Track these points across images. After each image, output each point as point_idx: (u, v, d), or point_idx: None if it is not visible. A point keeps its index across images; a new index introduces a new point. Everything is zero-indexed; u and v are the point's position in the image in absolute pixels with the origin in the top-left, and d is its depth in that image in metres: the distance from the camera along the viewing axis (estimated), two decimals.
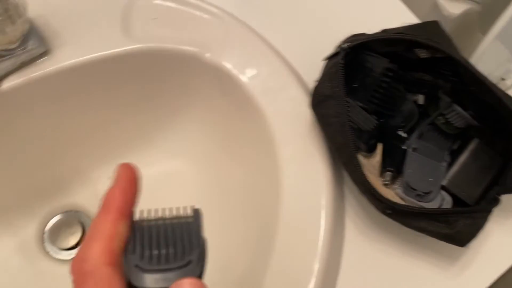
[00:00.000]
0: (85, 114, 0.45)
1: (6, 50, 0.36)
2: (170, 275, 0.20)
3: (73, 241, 0.49)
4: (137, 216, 0.22)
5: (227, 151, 0.45)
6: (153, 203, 0.51)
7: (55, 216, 0.49)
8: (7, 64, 0.37)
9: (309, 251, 0.35)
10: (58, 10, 0.40)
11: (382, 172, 0.38)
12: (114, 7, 0.41)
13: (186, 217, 0.21)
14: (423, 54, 0.38)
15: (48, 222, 0.49)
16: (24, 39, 0.37)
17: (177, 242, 0.20)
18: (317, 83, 0.35)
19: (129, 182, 0.22)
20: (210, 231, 0.46)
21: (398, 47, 0.36)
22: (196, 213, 0.22)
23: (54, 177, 0.49)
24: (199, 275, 0.20)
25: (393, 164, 0.38)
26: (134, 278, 0.19)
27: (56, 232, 0.49)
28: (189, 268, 0.20)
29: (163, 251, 0.20)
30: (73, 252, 0.48)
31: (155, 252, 0.20)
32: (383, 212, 0.33)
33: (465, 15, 0.60)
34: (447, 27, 0.62)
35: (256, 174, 0.41)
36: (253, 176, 0.42)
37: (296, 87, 0.40)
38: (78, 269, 0.19)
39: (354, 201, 0.38)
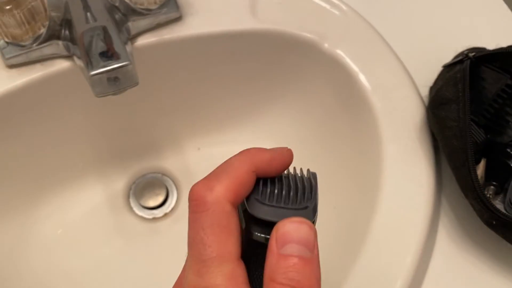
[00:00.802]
0: (195, 85, 0.47)
1: (147, 9, 0.39)
2: (285, 212, 0.20)
3: (156, 202, 0.51)
4: None
5: (324, 143, 0.46)
6: None
7: (144, 175, 0.52)
8: (146, 22, 0.40)
9: (403, 249, 0.35)
10: None
11: (484, 186, 0.38)
12: None
13: (304, 176, 0.22)
14: None
15: (136, 180, 0.52)
16: (164, 2, 0.40)
17: (296, 190, 0.21)
18: (438, 86, 0.36)
19: (281, 157, 0.22)
20: None
21: None
22: (313, 175, 0.22)
23: (150, 138, 0.52)
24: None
25: (497, 179, 0.38)
26: (251, 206, 0.20)
27: (142, 191, 0.52)
28: (305, 212, 0.20)
29: (283, 193, 0.21)
30: (154, 213, 0.51)
31: (275, 192, 0.21)
32: (487, 222, 0.34)
33: None
34: None
35: (353, 169, 0.42)
36: (350, 171, 0.43)
37: (409, 88, 0.40)
38: (200, 196, 0.19)
39: (449, 210, 0.39)
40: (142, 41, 0.41)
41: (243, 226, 0.21)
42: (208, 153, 0.53)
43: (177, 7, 0.41)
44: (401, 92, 0.40)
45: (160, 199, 0.51)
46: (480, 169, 0.39)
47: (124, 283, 0.48)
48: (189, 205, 0.19)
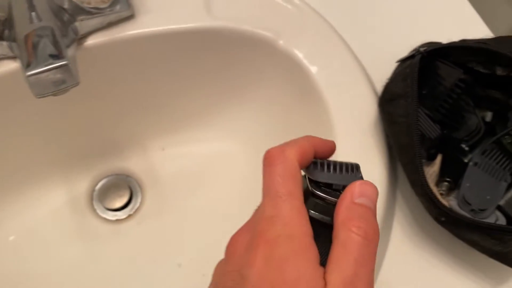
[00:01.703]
0: (153, 84, 0.46)
1: (96, 8, 0.39)
2: (342, 178, 0.24)
3: (120, 203, 0.51)
4: None
5: (283, 139, 0.46)
6: (200, 179, 0.52)
7: (107, 177, 0.51)
8: (95, 22, 0.39)
9: None
10: None
11: (438, 182, 0.37)
12: None
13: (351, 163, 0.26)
14: (499, 71, 0.38)
15: (99, 181, 0.51)
16: (114, 1, 0.39)
17: (346, 166, 0.25)
18: (388, 81, 0.36)
19: (331, 143, 0.28)
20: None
21: (477, 58, 0.35)
22: (357, 165, 0.26)
23: (112, 139, 0.51)
24: None
25: (451, 175, 0.37)
26: (313, 174, 0.24)
27: (105, 192, 0.51)
28: (360, 177, 0.25)
29: (338, 167, 0.25)
30: (118, 214, 0.50)
31: (330, 165, 0.25)
32: (436, 218, 0.33)
33: None
34: None
35: None
36: None
37: (364, 84, 0.40)
38: (275, 153, 0.24)
39: (404, 206, 0.38)
40: (92, 40, 0.40)
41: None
42: (173, 153, 0.52)
43: (128, 5, 0.40)
44: (356, 88, 0.40)
45: (123, 200, 0.51)
46: (437, 165, 0.39)
47: (87, 286, 0.47)
48: (264, 163, 0.24)
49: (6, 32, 0.36)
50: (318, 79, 0.40)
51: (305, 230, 0.22)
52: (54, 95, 0.32)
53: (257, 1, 0.43)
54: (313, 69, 0.41)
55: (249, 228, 0.24)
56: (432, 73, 0.38)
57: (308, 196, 0.24)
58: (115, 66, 0.43)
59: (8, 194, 0.48)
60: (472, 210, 0.36)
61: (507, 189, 0.37)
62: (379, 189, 0.37)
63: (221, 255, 0.49)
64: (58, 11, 0.37)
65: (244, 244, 0.23)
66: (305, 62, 0.41)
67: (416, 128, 0.32)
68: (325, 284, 0.21)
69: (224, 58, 0.44)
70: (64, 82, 0.32)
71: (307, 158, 0.25)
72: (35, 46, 0.32)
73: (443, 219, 0.32)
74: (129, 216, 0.50)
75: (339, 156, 0.37)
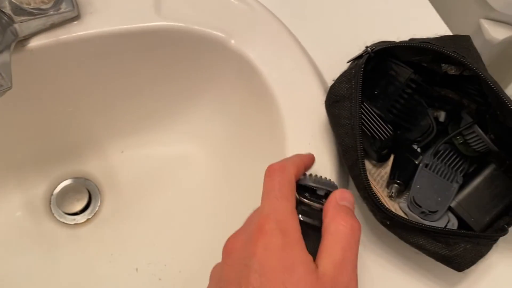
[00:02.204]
0: (105, 86, 0.45)
1: (38, 9, 0.37)
2: (324, 184, 0.30)
3: (78, 207, 0.50)
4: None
5: (239, 139, 0.45)
6: (159, 182, 0.51)
7: (65, 180, 0.50)
8: (38, 23, 0.38)
9: None
10: None
11: (388, 184, 0.36)
12: None
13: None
14: (451, 70, 0.37)
15: (57, 185, 0.50)
16: (58, 1, 0.38)
17: (325, 178, 0.30)
18: (334, 82, 0.35)
19: (312, 158, 0.33)
20: (214, 215, 0.46)
21: (423, 57, 0.35)
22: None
23: (69, 142, 0.50)
24: None
25: (402, 177, 0.36)
26: (302, 180, 0.30)
27: (63, 196, 0.50)
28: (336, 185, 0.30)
29: (319, 177, 0.30)
30: (77, 218, 0.49)
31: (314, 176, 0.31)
32: (381, 222, 0.32)
33: (509, 42, 0.58)
34: (488, 52, 0.60)
35: (263, 165, 0.41)
36: (260, 166, 0.41)
37: (316, 86, 0.39)
38: (278, 167, 0.29)
39: (356, 209, 0.37)
40: (36, 42, 0.39)
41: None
42: (132, 155, 0.51)
43: (73, 5, 0.39)
44: (307, 88, 0.39)
45: (82, 204, 0.50)
46: (388, 167, 0.38)
47: None
48: (266, 174, 0.29)
49: None
50: (269, 79, 0.39)
51: (295, 227, 0.26)
52: None
53: (211, 0, 0.42)
54: (265, 69, 0.40)
55: (245, 229, 0.28)
56: (384, 73, 0.37)
57: (297, 204, 0.28)
58: (62, 68, 0.42)
59: None
60: (423, 212, 0.35)
61: (459, 191, 0.36)
62: None
63: (179, 259, 0.48)
64: None
65: (242, 241, 0.27)
66: (257, 62, 0.40)
67: (359, 130, 0.32)
68: (317, 266, 0.25)
69: (176, 59, 0.43)
70: None
71: (300, 172, 0.30)
72: None
73: (387, 222, 0.32)
74: (88, 220, 0.49)
75: (288, 155, 0.37)
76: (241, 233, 0.28)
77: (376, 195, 0.31)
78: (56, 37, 0.39)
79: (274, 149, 0.40)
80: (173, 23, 0.41)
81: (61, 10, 0.38)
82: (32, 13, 0.37)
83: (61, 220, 0.49)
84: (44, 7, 0.37)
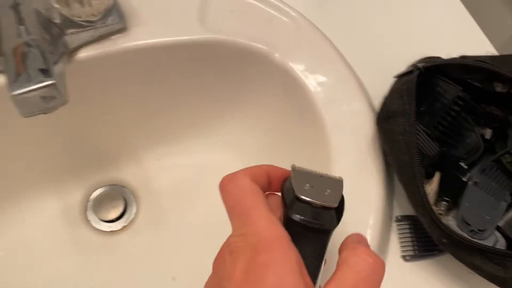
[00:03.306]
0: (146, 95, 0.46)
1: (87, 21, 0.38)
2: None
3: (114, 214, 0.50)
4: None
5: (277, 152, 0.45)
6: (195, 190, 0.51)
7: (101, 187, 0.51)
8: (86, 35, 0.38)
9: None
10: None
11: (437, 201, 0.36)
12: None
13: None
14: (499, 88, 0.37)
15: (93, 192, 0.51)
16: (106, 13, 0.38)
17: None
18: (385, 98, 0.35)
19: (281, 172, 0.28)
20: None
21: (476, 76, 0.34)
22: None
23: (106, 150, 0.50)
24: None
25: (450, 195, 0.36)
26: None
27: (100, 203, 0.50)
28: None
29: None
30: (112, 226, 0.50)
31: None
32: (438, 240, 0.32)
33: None
34: None
35: None
36: None
37: (361, 100, 0.39)
38: (228, 176, 0.26)
39: None
40: (84, 54, 0.39)
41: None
42: (168, 163, 0.51)
43: (120, 17, 0.39)
44: (352, 105, 0.39)
45: (118, 211, 0.50)
46: (435, 183, 0.38)
47: None
48: (219, 189, 0.26)
49: None
50: (314, 94, 0.39)
51: (279, 234, 0.23)
52: (44, 113, 0.31)
53: (253, 13, 0.42)
54: (309, 83, 0.40)
55: (229, 244, 0.25)
56: (431, 89, 0.37)
57: (293, 202, 0.25)
58: (107, 79, 0.42)
59: (3, 204, 0.47)
60: (472, 230, 0.35)
61: (507, 209, 0.36)
62: (376, 207, 0.36)
63: None
64: (47, 25, 0.36)
65: (227, 259, 0.24)
66: (301, 76, 0.40)
67: (415, 147, 0.32)
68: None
69: (219, 71, 0.44)
70: (51, 101, 0.31)
71: (259, 177, 0.26)
72: (22, 63, 0.31)
73: (445, 240, 0.31)
74: (124, 227, 0.50)
75: (335, 173, 0.37)
76: (226, 247, 0.25)
77: (435, 213, 0.31)
78: (104, 48, 0.39)
79: (316, 163, 0.40)
80: (218, 36, 0.41)
81: (109, 22, 0.39)
82: (81, 25, 0.38)
83: (97, 227, 0.50)
84: (93, 19, 0.38)
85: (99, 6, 0.36)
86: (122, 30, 0.40)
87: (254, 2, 0.43)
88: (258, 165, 0.27)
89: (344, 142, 0.38)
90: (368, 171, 0.37)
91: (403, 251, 0.36)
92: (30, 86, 0.30)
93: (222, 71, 0.44)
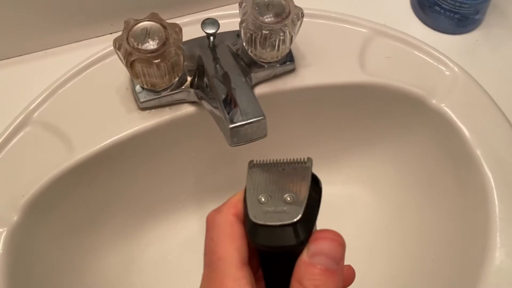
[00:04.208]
0: (299, 128, 0.49)
1: (268, 62, 0.42)
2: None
3: None
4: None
5: (418, 195, 0.47)
6: (329, 220, 0.54)
7: None
8: (265, 74, 0.43)
9: None
10: (308, 37, 0.45)
11: None
12: (355, 42, 0.46)
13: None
14: None
15: None
16: (286, 56, 0.42)
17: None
18: None
19: None
20: (373, 266, 0.47)
21: None
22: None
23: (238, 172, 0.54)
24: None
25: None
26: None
27: None
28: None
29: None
30: None
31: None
32: None
33: None
34: None
35: (456, 224, 0.43)
36: (451, 225, 0.43)
37: None
38: (210, 217, 0.24)
39: None
40: (258, 91, 0.43)
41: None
42: None
43: (292, 59, 0.43)
44: None
45: None
46: None
47: None
48: (206, 229, 0.24)
49: (195, 80, 0.40)
50: (472, 142, 0.41)
51: None
52: (245, 143, 0.35)
53: (410, 60, 0.45)
54: (466, 130, 0.42)
55: None
56: None
57: (250, 227, 0.22)
58: (271, 115, 0.46)
59: (147, 222, 0.51)
60: None
61: None
62: None
63: None
64: (239, 64, 0.40)
65: None
66: (458, 123, 0.42)
67: None
68: None
69: (372, 110, 0.47)
70: (256, 133, 0.35)
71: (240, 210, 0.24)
72: (231, 100, 0.36)
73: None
74: None
75: (496, 222, 0.37)
76: None
77: None
78: (276, 86, 0.44)
79: (472, 210, 0.41)
80: (376, 79, 0.45)
81: (283, 63, 0.43)
82: (262, 66, 0.42)
83: None
84: (273, 60, 0.42)
85: (284, 51, 0.41)
86: (292, 70, 0.44)
87: (407, 48, 0.46)
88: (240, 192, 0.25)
89: (505, 188, 0.39)
90: None
91: None
92: (245, 121, 0.34)
93: (375, 111, 0.47)
